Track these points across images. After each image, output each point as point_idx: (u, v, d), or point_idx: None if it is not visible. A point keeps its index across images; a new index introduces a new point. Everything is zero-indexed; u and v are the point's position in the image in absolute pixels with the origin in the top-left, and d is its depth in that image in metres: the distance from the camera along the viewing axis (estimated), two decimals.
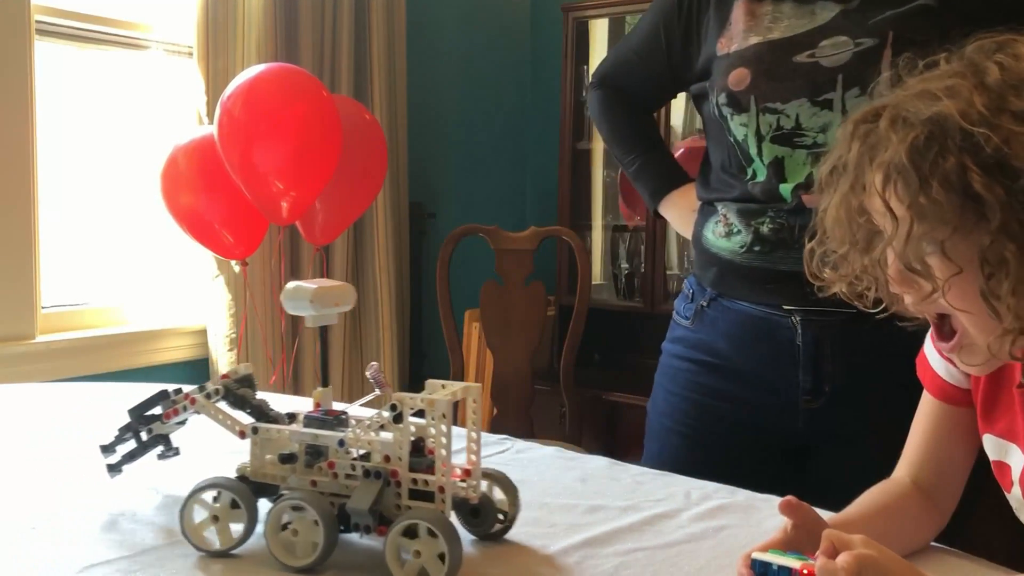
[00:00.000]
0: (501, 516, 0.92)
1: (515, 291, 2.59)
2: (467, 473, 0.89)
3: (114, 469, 0.99)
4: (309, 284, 0.90)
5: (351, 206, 2.50)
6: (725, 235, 1.29)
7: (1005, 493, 0.94)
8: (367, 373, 0.93)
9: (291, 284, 0.91)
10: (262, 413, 0.92)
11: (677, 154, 3.07)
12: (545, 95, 3.66)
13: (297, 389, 2.78)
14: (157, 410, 0.96)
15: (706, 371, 1.33)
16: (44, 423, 1.40)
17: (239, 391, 0.94)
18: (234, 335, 2.57)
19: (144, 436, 0.97)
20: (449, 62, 3.44)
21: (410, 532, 0.80)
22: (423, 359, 3.31)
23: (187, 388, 0.95)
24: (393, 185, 3.00)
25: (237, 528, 0.88)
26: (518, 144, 3.79)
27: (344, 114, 2.35)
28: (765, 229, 1.23)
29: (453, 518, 0.86)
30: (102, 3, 2.46)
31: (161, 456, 1.01)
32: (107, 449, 0.99)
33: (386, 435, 0.85)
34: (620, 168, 1.49)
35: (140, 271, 2.62)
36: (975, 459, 0.96)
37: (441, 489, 0.83)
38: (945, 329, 0.83)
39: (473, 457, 0.89)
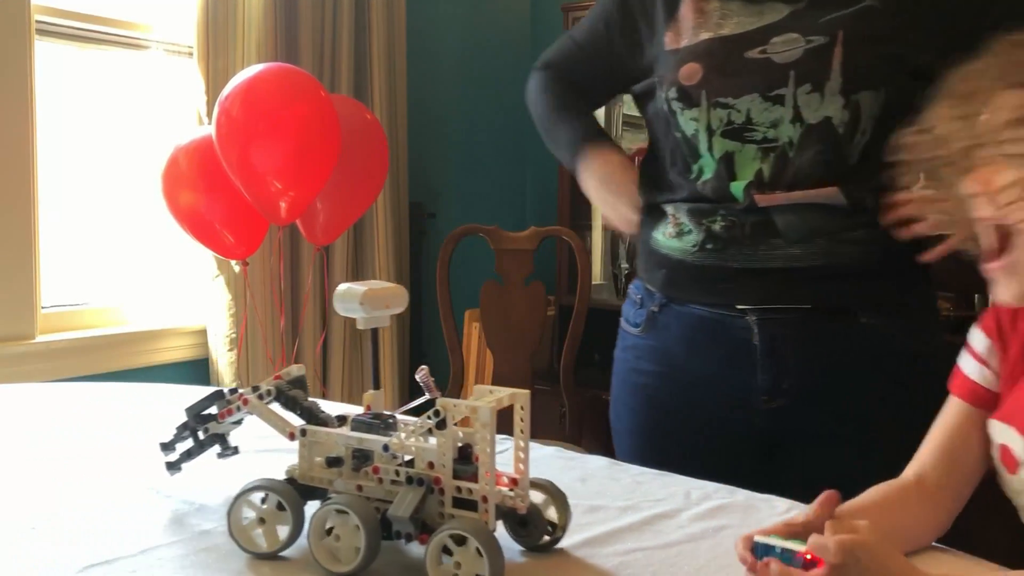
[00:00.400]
0: (550, 527, 0.90)
1: (515, 291, 2.59)
2: (514, 482, 0.86)
3: (173, 467, 1.00)
4: (359, 286, 0.89)
5: (352, 206, 2.50)
6: (676, 235, 1.26)
7: (1007, 478, 0.95)
8: (417, 376, 0.92)
9: (342, 286, 0.90)
10: (312, 415, 0.91)
11: None
12: None
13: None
14: (212, 410, 0.97)
15: (662, 384, 1.31)
16: (44, 423, 1.40)
17: (291, 392, 0.93)
18: (234, 335, 2.57)
19: (201, 435, 0.98)
20: (449, 62, 3.44)
21: (452, 542, 0.78)
22: (423, 359, 3.32)
23: (241, 389, 0.95)
24: (393, 185, 3.00)
25: (283, 530, 0.87)
26: (518, 144, 3.79)
27: (345, 114, 2.35)
28: (717, 227, 1.21)
29: (500, 528, 0.85)
30: (102, 3, 2.46)
31: (220, 455, 1.01)
32: (167, 447, 1.00)
33: (432, 440, 0.84)
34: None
35: (140, 271, 2.62)
36: (987, 468, 0.96)
37: (484, 499, 0.81)
38: (998, 249, 0.87)
39: (521, 466, 0.86)
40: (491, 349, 2.65)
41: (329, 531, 0.84)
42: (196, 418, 0.97)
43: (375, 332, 0.90)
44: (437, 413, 0.81)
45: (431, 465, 0.82)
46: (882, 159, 1.08)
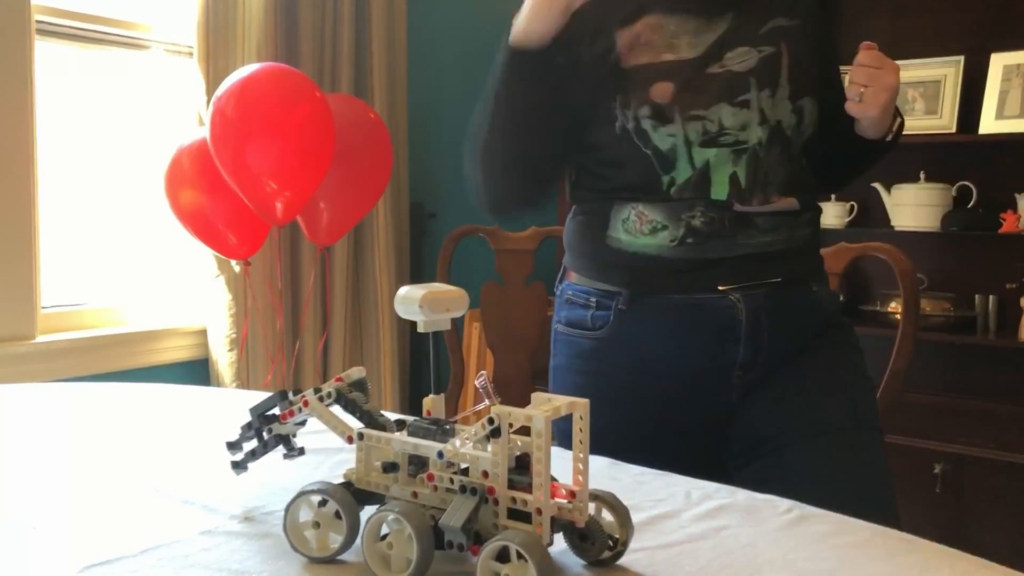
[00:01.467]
0: (612, 541, 0.86)
1: (515, 291, 2.59)
2: (572, 494, 0.83)
3: (239, 467, 1.00)
4: (419, 289, 0.88)
5: (356, 206, 2.50)
6: (649, 232, 1.31)
7: None
8: (476, 383, 0.89)
9: (403, 289, 0.89)
10: (371, 419, 0.90)
11: None
12: None
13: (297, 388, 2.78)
14: (276, 411, 0.97)
15: (636, 378, 1.34)
16: (44, 423, 1.40)
17: (351, 395, 0.93)
18: (234, 335, 2.57)
19: (265, 435, 0.98)
20: (449, 62, 3.44)
21: (503, 554, 0.76)
22: (423, 359, 3.31)
23: (305, 391, 0.95)
24: (393, 185, 3.00)
25: (336, 538, 0.85)
26: None
27: (348, 113, 2.35)
28: (697, 223, 1.28)
29: (560, 541, 0.83)
30: (102, 3, 2.46)
31: (286, 456, 1.01)
32: (233, 447, 1.00)
33: (489, 449, 0.81)
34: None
35: (140, 271, 2.62)
36: None
37: (539, 511, 0.78)
38: None
39: (580, 478, 0.83)
40: (491, 349, 2.65)
41: (383, 537, 0.82)
42: (260, 418, 0.97)
43: (434, 336, 0.89)
44: (492, 421, 0.79)
45: (485, 474, 0.80)
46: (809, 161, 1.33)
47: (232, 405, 1.47)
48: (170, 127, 2.58)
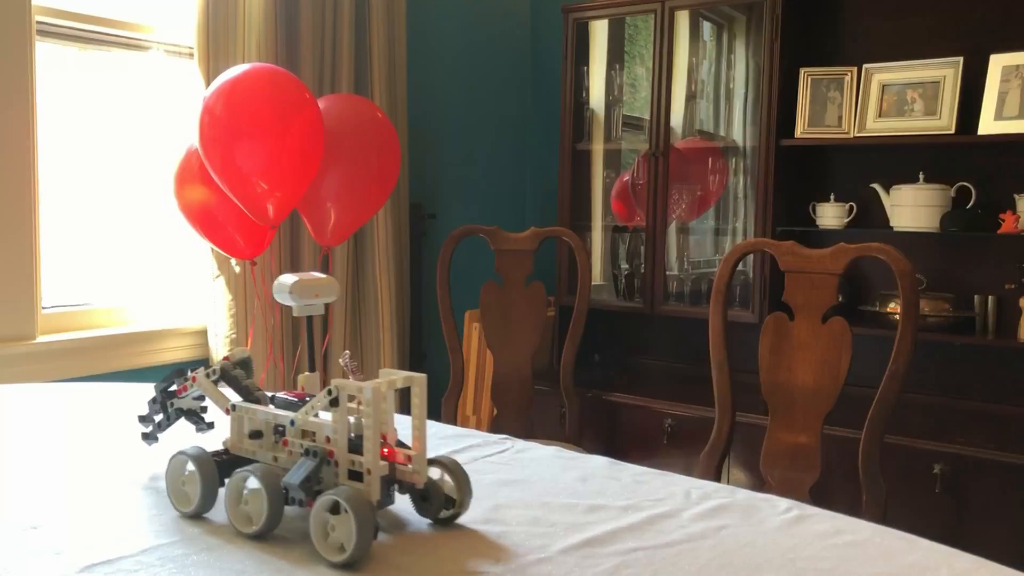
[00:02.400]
0: (451, 502, 0.95)
1: (515, 291, 2.59)
2: (411, 459, 0.92)
3: (149, 437, 1.09)
4: (291, 277, 0.97)
5: (363, 206, 2.50)
6: None
7: None
8: (340, 361, 1.00)
9: (279, 277, 0.99)
10: (248, 393, 1.00)
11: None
12: (545, 96, 3.67)
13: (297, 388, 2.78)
14: (175, 387, 1.08)
15: None
16: (44, 423, 1.40)
17: (233, 372, 1.03)
18: (234, 335, 2.57)
19: (169, 409, 1.08)
20: (449, 62, 3.44)
21: (336, 508, 0.85)
22: (423, 359, 3.32)
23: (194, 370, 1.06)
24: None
25: (198, 493, 0.96)
26: (518, 144, 3.79)
27: (356, 113, 2.35)
28: None
29: (407, 500, 0.93)
30: (102, 4, 2.46)
31: (198, 430, 1.09)
32: (144, 420, 1.10)
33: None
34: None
35: (141, 272, 2.62)
36: None
37: (368, 471, 0.88)
38: None
39: (418, 444, 0.92)
40: (491, 349, 2.65)
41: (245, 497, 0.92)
42: (163, 393, 1.08)
43: (310, 320, 1.00)
44: (331, 392, 0.89)
45: (328, 440, 0.90)
46: None
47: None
48: (170, 128, 2.58)
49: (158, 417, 1.09)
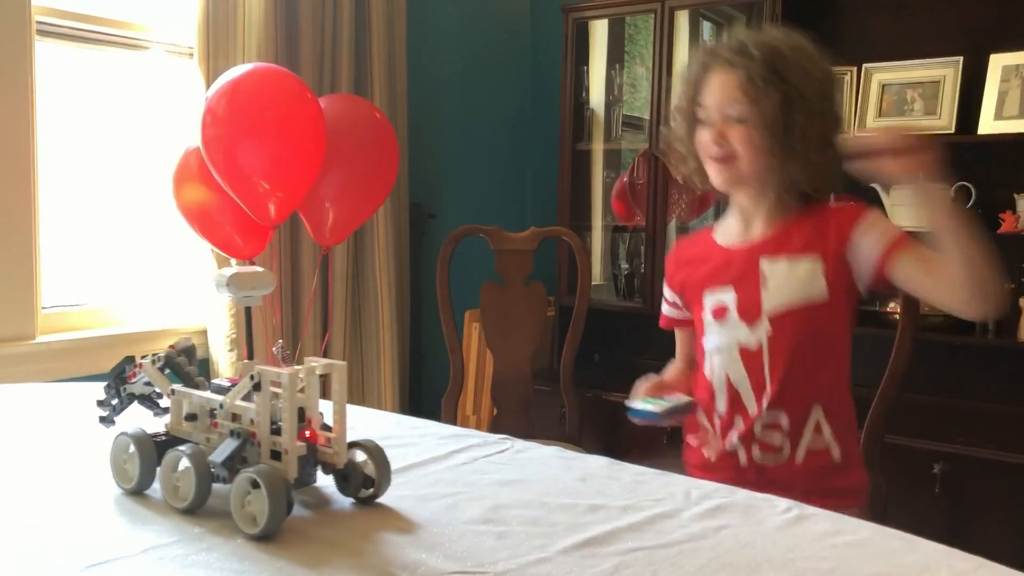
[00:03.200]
0: (370, 482, 1.02)
1: (515, 291, 2.59)
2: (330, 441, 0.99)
3: (106, 420, 1.15)
4: (229, 270, 1.02)
5: (362, 206, 2.50)
6: None
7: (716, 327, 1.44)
8: (272, 350, 1.07)
9: (219, 270, 1.04)
10: (189, 379, 1.08)
11: None
12: (545, 96, 3.66)
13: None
14: (127, 372, 1.15)
15: None
16: (44, 423, 1.40)
17: (177, 359, 1.10)
18: (234, 335, 2.57)
19: (122, 394, 1.14)
20: (449, 62, 3.44)
21: (256, 483, 0.92)
22: (423, 359, 3.32)
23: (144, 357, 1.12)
24: (393, 186, 3.00)
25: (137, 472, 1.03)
26: (518, 144, 3.79)
27: (354, 113, 2.34)
28: None
29: (330, 480, 1.02)
30: (102, 4, 2.46)
31: (155, 415, 1.14)
32: (101, 404, 1.15)
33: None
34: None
35: (140, 271, 2.62)
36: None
37: (286, 451, 0.95)
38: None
39: (338, 427, 0.99)
40: (491, 349, 2.65)
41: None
42: (116, 379, 1.15)
43: (248, 310, 1.07)
44: (253, 378, 0.97)
45: (252, 422, 0.97)
46: None
47: None
48: (170, 128, 2.58)
49: (114, 402, 1.15)
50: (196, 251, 2.56)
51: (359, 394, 3.03)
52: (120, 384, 1.14)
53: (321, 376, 1.00)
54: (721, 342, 1.42)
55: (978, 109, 2.57)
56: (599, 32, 3.28)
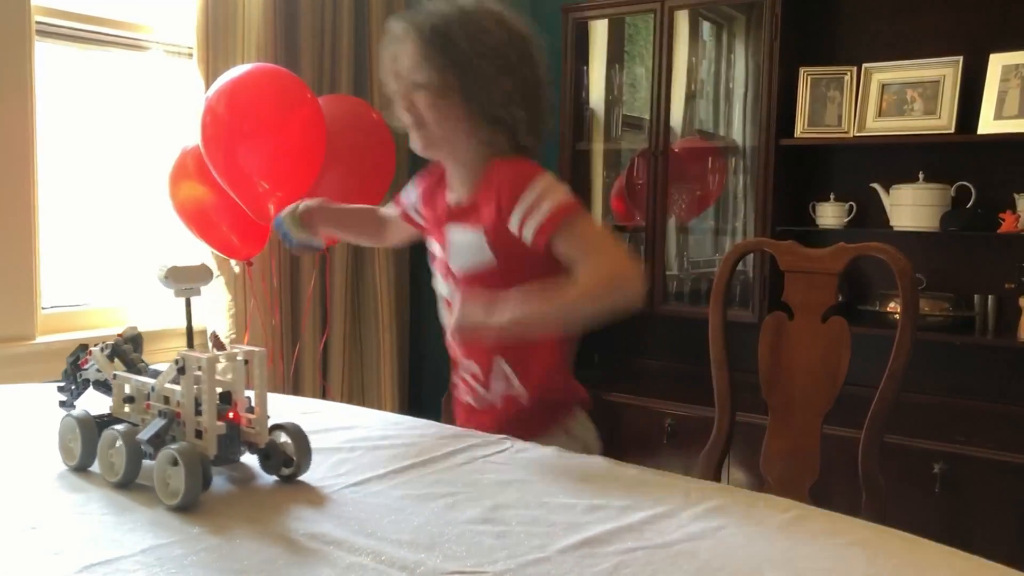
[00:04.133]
0: (290, 461, 1.10)
1: None
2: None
3: (64, 405, 1.23)
4: (167, 264, 1.11)
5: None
6: None
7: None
8: (208, 339, 1.12)
9: (159, 263, 1.11)
10: (132, 365, 1.17)
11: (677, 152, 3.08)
12: None
13: (297, 388, 2.78)
14: (80, 359, 1.24)
15: None
16: (44, 423, 1.40)
17: (123, 347, 1.18)
18: (234, 335, 2.57)
19: (77, 379, 1.23)
20: None
21: (172, 460, 0.99)
22: (423, 359, 3.31)
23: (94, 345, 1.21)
24: (393, 186, 3.00)
25: (79, 450, 1.12)
26: None
27: (351, 113, 2.35)
28: None
29: (254, 460, 1.11)
30: (102, 4, 2.46)
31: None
32: (61, 390, 1.24)
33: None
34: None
35: (140, 272, 2.62)
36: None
37: (206, 429, 1.04)
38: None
39: (258, 409, 1.08)
40: None
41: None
42: (72, 366, 1.23)
43: (188, 301, 1.14)
44: (177, 363, 1.06)
45: (178, 403, 1.06)
46: None
47: None
48: (170, 128, 2.58)
49: (73, 387, 1.24)
50: (197, 251, 2.56)
51: (359, 394, 3.03)
52: (76, 371, 1.23)
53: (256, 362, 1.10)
54: (439, 289, 1.53)
55: (978, 109, 2.56)
56: (599, 32, 3.28)
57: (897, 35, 2.82)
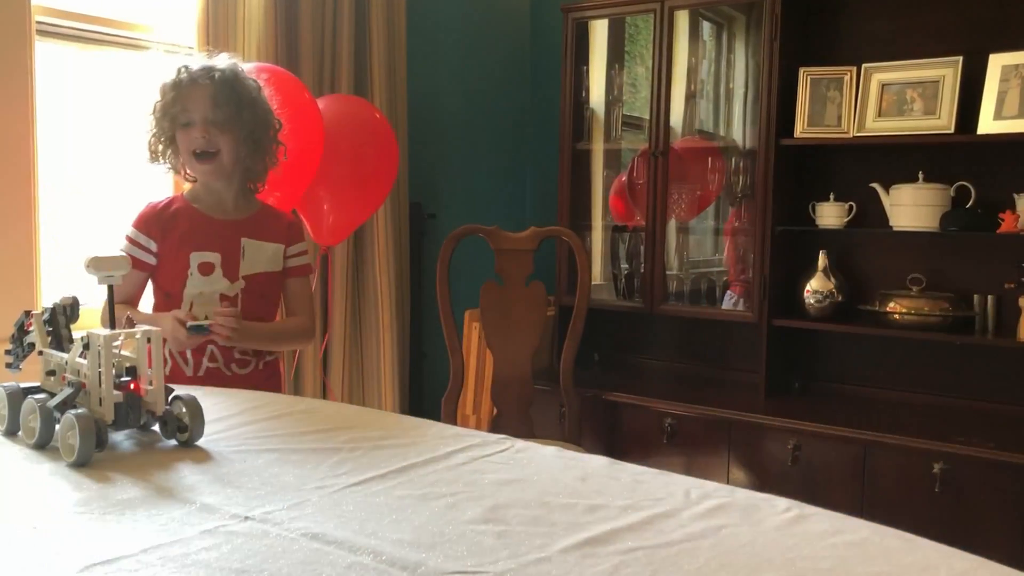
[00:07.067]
0: (184, 427, 1.24)
1: (515, 291, 2.59)
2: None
3: (11, 367, 1.35)
4: (90, 255, 1.22)
5: (361, 206, 2.50)
6: None
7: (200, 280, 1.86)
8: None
9: (85, 255, 1.23)
10: (56, 336, 1.30)
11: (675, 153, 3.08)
12: (545, 95, 3.67)
13: (297, 388, 2.78)
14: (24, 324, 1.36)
15: None
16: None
17: (59, 317, 1.31)
18: None
19: (23, 343, 1.34)
20: (449, 62, 3.44)
21: (71, 423, 1.14)
22: (423, 359, 3.32)
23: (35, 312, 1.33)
24: (393, 185, 3.00)
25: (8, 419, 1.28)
26: (518, 144, 3.79)
27: (354, 113, 2.35)
28: None
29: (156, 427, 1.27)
30: (102, 4, 2.46)
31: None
32: (8, 352, 1.35)
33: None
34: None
35: None
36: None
37: (102, 399, 1.19)
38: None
39: (156, 382, 1.25)
40: (491, 349, 2.65)
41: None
42: (18, 331, 1.35)
43: (111, 288, 1.26)
44: (83, 340, 1.21)
45: (85, 375, 1.21)
46: None
47: (232, 404, 1.47)
48: None
49: (19, 351, 1.34)
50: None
51: (359, 394, 3.03)
52: (22, 335, 1.35)
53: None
54: (204, 290, 1.83)
55: (978, 109, 2.57)
56: (599, 32, 3.28)
57: (897, 35, 2.82)
